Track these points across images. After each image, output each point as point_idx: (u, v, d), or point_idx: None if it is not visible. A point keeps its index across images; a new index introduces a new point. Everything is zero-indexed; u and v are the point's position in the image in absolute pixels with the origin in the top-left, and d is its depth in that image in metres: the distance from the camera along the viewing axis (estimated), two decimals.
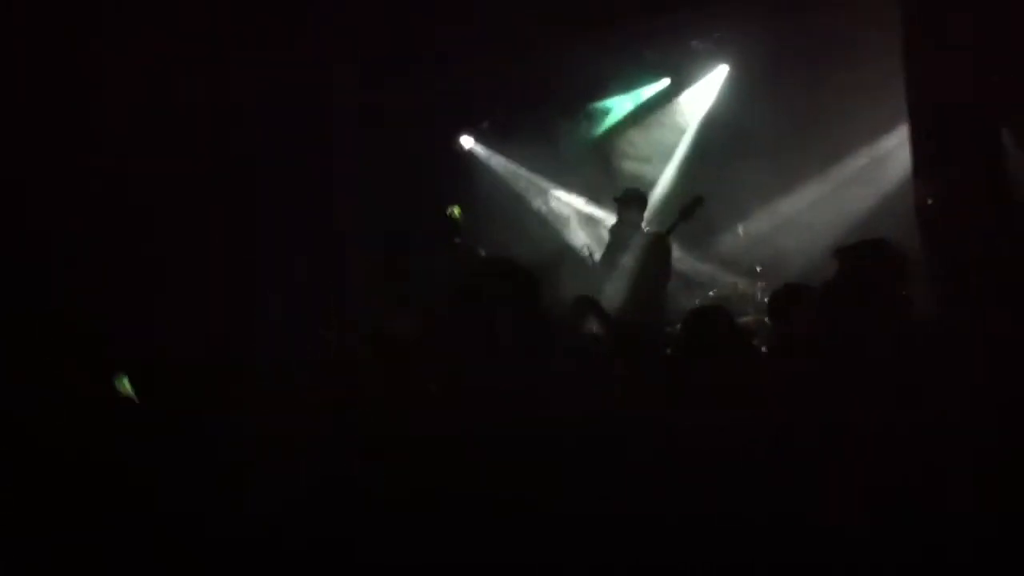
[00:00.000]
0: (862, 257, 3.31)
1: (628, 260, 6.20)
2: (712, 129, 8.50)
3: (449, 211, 6.72)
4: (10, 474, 2.21)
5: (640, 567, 2.04)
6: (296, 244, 7.49)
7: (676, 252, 6.49)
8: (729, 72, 8.37)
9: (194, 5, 6.35)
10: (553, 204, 9.12)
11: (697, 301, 7.56)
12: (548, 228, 8.93)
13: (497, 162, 9.27)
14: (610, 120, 8.98)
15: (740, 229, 7.71)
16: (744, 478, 2.16)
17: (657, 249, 6.11)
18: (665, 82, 8.73)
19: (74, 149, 5.83)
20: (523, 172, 9.20)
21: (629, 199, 6.57)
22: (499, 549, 2.02)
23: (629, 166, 8.79)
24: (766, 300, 7.21)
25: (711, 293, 7.69)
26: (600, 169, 8.85)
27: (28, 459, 2.24)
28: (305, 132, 7.76)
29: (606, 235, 7.02)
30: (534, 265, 2.90)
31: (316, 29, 7.25)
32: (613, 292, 6.07)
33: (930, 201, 5.38)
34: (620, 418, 2.56)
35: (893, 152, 7.49)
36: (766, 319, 6.99)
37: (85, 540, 2.14)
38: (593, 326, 3.80)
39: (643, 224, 6.52)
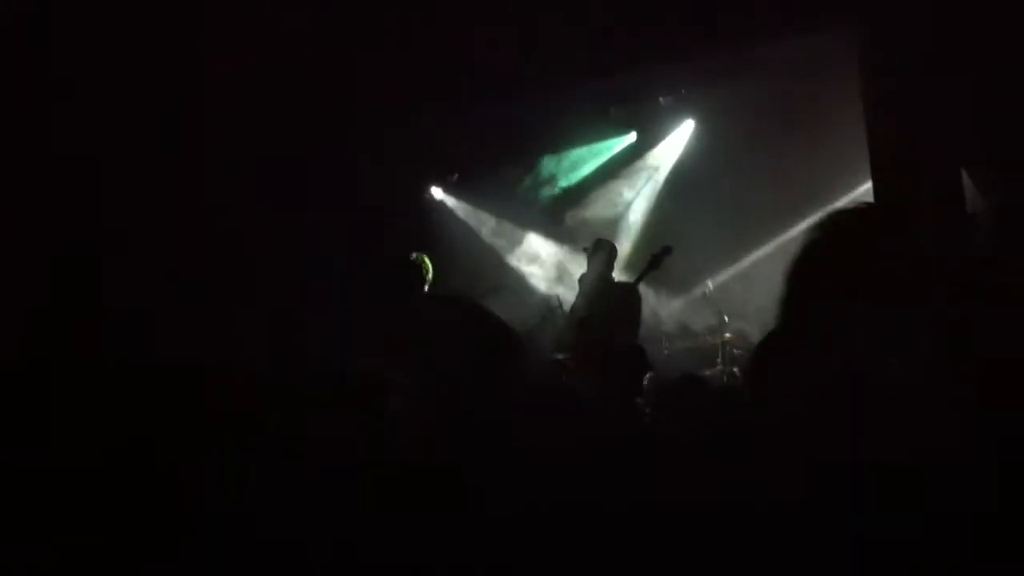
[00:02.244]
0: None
1: (598, 309, 6.21)
2: (678, 182, 8.66)
3: (416, 258, 6.68)
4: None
5: None
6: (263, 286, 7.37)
7: (645, 302, 6.53)
8: (695, 127, 8.55)
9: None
10: (521, 253, 9.18)
11: (666, 352, 7.62)
12: (516, 278, 8.96)
13: (465, 212, 9.34)
14: (578, 171, 9.09)
15: (709, 281, 7.79)
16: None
17: (627, 298, 6.14)
18: (632, 136, 8.90)
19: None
20: (491, 222, 9.27)
21: (599, 248, 6.61)
22: None
23: (597, 217, 8.89)
24: (733, 351, 7.30)
25: (680, 344, 7.75)
26: (568, 220, 8.96)
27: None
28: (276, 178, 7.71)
29: (575, 284, 7.04)
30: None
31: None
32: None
33: None
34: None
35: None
36: (734, 369, 7.06)
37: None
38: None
39: (613, 274, 6.55)
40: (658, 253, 6.18)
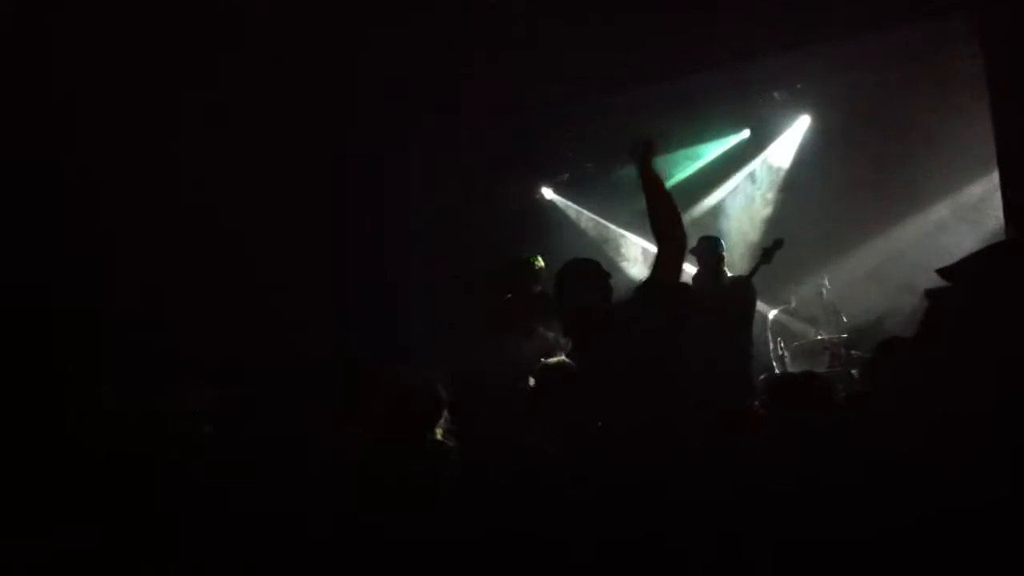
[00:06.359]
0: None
1: (710, 306, 6.11)
2: (794, 178, 8.47)
3: (530, 259, 6.72)
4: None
5: None
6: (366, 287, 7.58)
7: (760, 300, 6.40)
8: (811, 123, 8.35)
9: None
10: (629, 253, 9.14)
11: (781, 350, 7.46)
12: (624, 279, 8.92)
13: (575, 212, 9.38)
14: (691, 168, 8.98)
15: (825, 278, 7.59)
16: None
17: (740, 294, 6.03)
18: (745, 133, 8.75)
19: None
20: (601, 222, 9.29)
21: (704, 246, 6.49)
22: None
23: (707, 215, 8.79)
24: (851, 352, 7.07)
25: (795, 344, 7.56)
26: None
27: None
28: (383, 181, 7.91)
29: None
30: None
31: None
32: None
33: None
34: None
35: (979, 202, 7.37)
36: (852, 371, 6.85)
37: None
38: None
39: (725, 269, 6.44)
40: (770, 247, 6.07)
